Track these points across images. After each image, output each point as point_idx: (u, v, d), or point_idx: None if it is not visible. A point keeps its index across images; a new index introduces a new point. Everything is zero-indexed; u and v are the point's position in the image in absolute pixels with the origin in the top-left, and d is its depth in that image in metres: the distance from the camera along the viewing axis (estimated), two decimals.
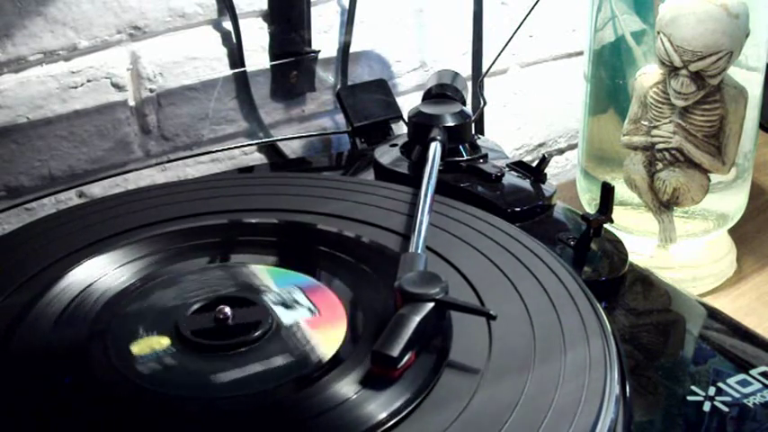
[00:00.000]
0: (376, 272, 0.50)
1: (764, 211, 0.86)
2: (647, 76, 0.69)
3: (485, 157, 0.65)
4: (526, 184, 0.63)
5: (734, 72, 0.67)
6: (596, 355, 0.42)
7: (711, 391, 0.45)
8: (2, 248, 0.53)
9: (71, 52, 0.69)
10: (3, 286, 0.48)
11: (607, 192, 0.56)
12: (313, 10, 0.78)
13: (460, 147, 0.65)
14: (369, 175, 0.68)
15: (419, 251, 0.48)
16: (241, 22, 0.75)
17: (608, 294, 0.53)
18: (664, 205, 0.71)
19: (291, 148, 0.81)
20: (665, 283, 0.56)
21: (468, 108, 0.69)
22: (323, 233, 0.54)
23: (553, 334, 0.44)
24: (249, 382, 0.41)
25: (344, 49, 0.81)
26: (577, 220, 0.60)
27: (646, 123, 0.69)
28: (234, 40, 0.76)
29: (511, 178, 0.63)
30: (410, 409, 0.39)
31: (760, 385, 0.45)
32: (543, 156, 0.64)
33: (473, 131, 0.67)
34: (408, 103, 0.80)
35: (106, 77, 0.71)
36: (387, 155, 0.67)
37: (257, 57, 0.77)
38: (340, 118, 0.81)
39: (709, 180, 0.70)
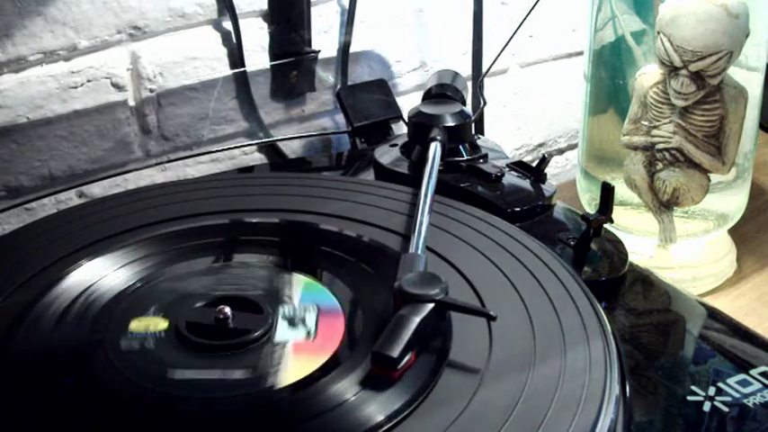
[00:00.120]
0: (376, 272, 0.50)
1: (764, 211, 0.86)
2: (647, 76, 0.69)
3: (485, 157, 0.65)
4: (526, 184, 0.63)
5: (734, 72, 0.67)
6: (596, 355, 0.42)
7: (711, 391, 0.45)
8: (2, 248, 0.53)
9: (71, 52, 0.69)
10: (3, 286, 0.48)
11: (607, 192, 0.56)
12: (313, 10, 0.78)
13: (460, 147, 0.65)
14: (369, 175, 0.68)
15: (419, 252, 0.48)
16: (241, 22, 0.75)
17: (608, 294, 0.53)
18: (664, 205, 0.71)
19: (291, 148, 0.81)
20: (665, 283, 0.56)
21: (468, 108, 0.69)
22: (324, 233, 0.54)
23: (553, 334, 0.44)
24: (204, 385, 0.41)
25: (344, 49, 0.81)
26: (577, 220, 0.60)
27: (646, 123, 0.69)
28: (234, 40, 0.76)
29: (511, 178, 0.63)
30: (410, 409, 0.39)
31: (760, 385, 0.45)
32: (543, 156, 0.64)
33: (473, 131, 0.67)
34: (408, 103, 0.80)
35: (106, 77, 0.71)
36: (387, 155, 0.67)
37: (257, 57, 0.77)
38: (340, 118, 0.81)
39: (709, 180, 0.70)
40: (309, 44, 0.79)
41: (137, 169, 0.73)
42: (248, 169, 0.77)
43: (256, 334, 0.44)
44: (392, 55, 0.85)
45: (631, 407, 0.43)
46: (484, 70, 0.80)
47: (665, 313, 0.54)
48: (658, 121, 0.69)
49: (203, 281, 0.50)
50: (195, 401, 0.41)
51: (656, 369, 0.47)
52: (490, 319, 0.43)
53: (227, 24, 0.75)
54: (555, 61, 0.97)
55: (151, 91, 0.73)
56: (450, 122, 0.65)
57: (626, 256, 0.56)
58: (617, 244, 0.57)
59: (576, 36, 0.96)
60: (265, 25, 0.77)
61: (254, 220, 0.55)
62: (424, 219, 0.52)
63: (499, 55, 0.75)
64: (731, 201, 0.74)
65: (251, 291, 0.48)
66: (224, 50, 0.76)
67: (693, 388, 0.45)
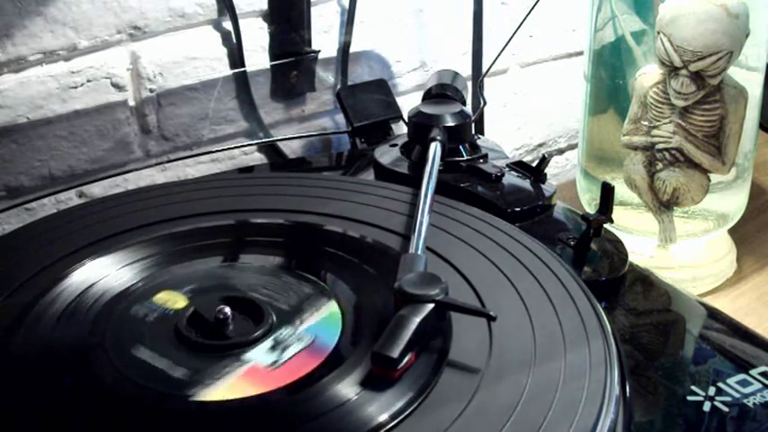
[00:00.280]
0: (376, 272, 0.50)
1: (764, 211, 0.86)
2: (647, 76, 0.69)
3: (485, 157, 0.65)
4: (526, 184, 0.63)
5: (734, 72, 0.67)
6: (596, 356, 0.42)
7: (711, 391, 0.45)
8: (2, 248, 0.53)
9: (71, 52, 0.69)
10: (3, 286, 0.48)
11: (607, 192, 0.56)
12: (313, 10, 0.78)
13: (460, 147, 0.65)
14: (369, 175, 0.68)
15: (419, 252, 0.48)
16: (241, 22, 0.75)
17: (608, 294, 0.53)
18: (664, 205, 0.71)
19: (291, 148, 0.81)
20: (665, 283, 0.56)
21: (468, 108, 0.69)
22: (327, 233, 0.54)
23: (553, 334, 0.44)
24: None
25: (344, 49, 0.81)
26: (577, 220, 0.60)
27: (646, 123, 0.69)
28: (234, 40, 0.76)
29: (511, 178, 0.63)
30: (410, 409, 0.39)
31: (760, 385, 0.45)
32: (543, 156, 0.64)
33: (473, 131, 0.67)
34: (408, 103, 0.80)
35: (106, 77, 0.71)
36: (387, 155, 0.67)
37: (257, 57, 0.77)
38: (340, 118, 0.81)
39: (709, 180, 0.70)
40: (309, 44, 0.79)
41: (137, 169, 0.73)
42: (248, 169, 0.77)
43: (231, 343, 0.44)
44: (392, 55, 0.85)
45: (631, 407, 0.43)
46: (484, 70, 0.80)
47: (665, 313, 0.54)
48: (658, 121, 0.69)
49: (249, 279, 0.49)
50: (195, 401, 0.41)
51: (656, 369, 0.47)
52: (490, 319, 0.43)
53: (227, 24, 0.75)
54: (555, 61, 0.97)
55: (151, 91, 0.73)
56: (450, 122, 0.65)
57: (626, 256, 0.56)
58: (617, 244, 0.57)
59: (576, 36, 0.96)
60: (265, 25, 0.77)
61: (257, 221, 0.55)
62: (424, 219, 0.52)
63: (499, 55, 0.75)
64: (731, 201, 0.74)
65: (277, 302, 0.47)
66: (224, 50, 0.76)
67: (693, 388, 0.45)
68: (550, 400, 0.39)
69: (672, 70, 0.66)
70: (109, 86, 0.71)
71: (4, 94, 0.67)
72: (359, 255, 0.52)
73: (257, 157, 0.81)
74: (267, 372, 0.42)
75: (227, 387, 0.41)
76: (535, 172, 0.63)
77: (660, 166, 0.70)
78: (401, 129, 0.76)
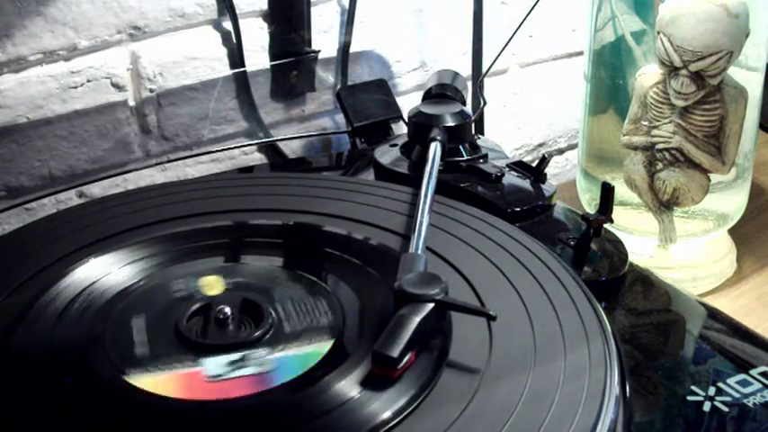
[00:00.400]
0: (376, 272, 0.50)
1: (764, 211, 0.86)
2: (647, 76, 0.69)
3: (485, 157, 0.65)
4: (526, 184, 0.63)
5: (734, 72, 0.67)
6: (596, 356, 0.42)
7: (711, 391, 0.45)
8: (2, 248, 0.53)
9: (71, 52, 0.69)
10: (3, 286, 0.48)
11: (607, 192, 0.56)
12: (313, 10, 0.78)
13: (460, 147, 0.65)
14: (369, 175, 0.68)
15: (419, 252, 0.48)
16: (241, 22, 0.75)
17: (608, 294, 0.53)
18: (664, 205, 0.71)
19: (291, 148, 0.81)
20: (665, 283, 0.56)
21: (468, 108, 0.69)
22: (326, 234, 0.54)
23: (553, 334, 0.44)
24: None
25: (344, 49, 0.81)
26: (577, 220, 0.60)
27: (646, 123, 0.69)
28: (234, 40, 0.76)
29: (511, 178, 0.63)
30: (410, 409, 0.39)
31: (760, 385, 0.45)
32: (543, 156, 0.64)
33: (473, 131, 0.67)
34: (408, 103, 0.80)
35: (106, 77, 0.71)
36: (387, 155, 0.67)
37: (257, 57, 0.77)
38: (340, 118, 0.81)
39: (709, 180, 0.70)
40: (309, 44, 0.79)
41: (137, 169, 0.73)
42: (248, 169, 0.77)
43: (210, 347, 0.44)
44: (392, 55, 0.85)
45: (631, 407, 0.43)
46: (484, 70, 0.80)
47: (665, 313, 0.54)
48: (658, 121, 0.69)
49: (282, 290, 0.49)
50: (196, 401, 0.41)
51: (656, 369, 0.47)
52: (490, 319, 0.43)
53: (227, 24, 0.75)
54: (555, 61, 0.97)
55: (151, 91, 0.73)
56: (450, 122, 0.65)
57: (626, 256, 0.56)
58: (617, 244, 0.57)
59: (576, 36, 0.96)
60: (265, 25, 0.77)
61: (257, 222, 0.55)
62: (424, 219, 0.52)
63: (499, 55, 0.75)
64: (731, 201, 0.74)
65: (286, 320, 0.46)
66: (224, 50, 0.76)
67: (693, 388, 0.45)
68: (550, 400, 0.39)
69: (672, 70, 0.66)
70: (109, 86, 0.71)
71: (4, 94, 0.67)
72: (359, 255, 0.52)
73: (257, 157, 0.81)
74: (203, 382, 0.42)
75: (159, 382, 0.41)
76: (535, 172, 0.63)
77: (660, 166, 0.70)
78: (401, 129, 0.76)
